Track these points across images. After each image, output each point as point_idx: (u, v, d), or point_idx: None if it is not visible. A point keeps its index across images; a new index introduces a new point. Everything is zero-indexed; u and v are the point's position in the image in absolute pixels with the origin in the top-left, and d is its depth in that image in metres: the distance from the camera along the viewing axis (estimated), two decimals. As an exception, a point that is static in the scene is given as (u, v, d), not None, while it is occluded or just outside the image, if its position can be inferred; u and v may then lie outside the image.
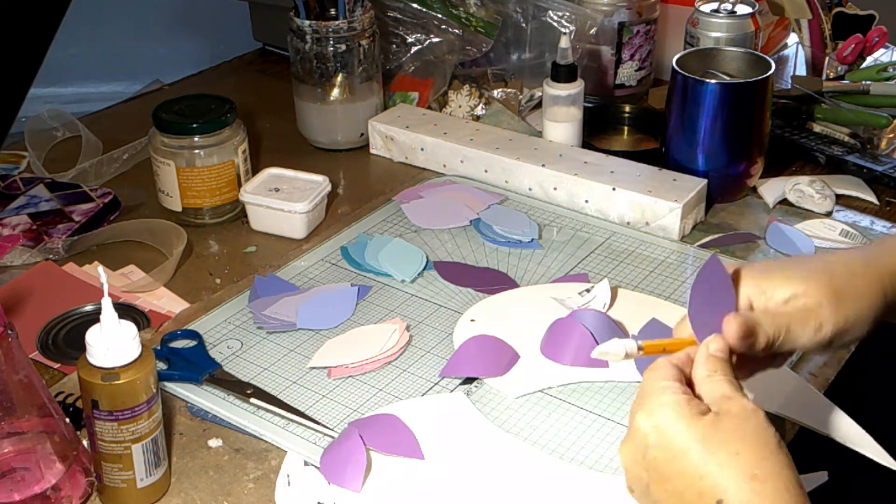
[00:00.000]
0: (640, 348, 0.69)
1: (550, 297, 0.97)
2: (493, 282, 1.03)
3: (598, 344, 0.88)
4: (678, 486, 0.59)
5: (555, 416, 0.86)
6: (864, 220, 1.15)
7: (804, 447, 0.81)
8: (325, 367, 0.91)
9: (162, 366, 0.90)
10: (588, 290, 0.97)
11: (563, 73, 1.21)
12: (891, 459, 0.81)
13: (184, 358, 0.91)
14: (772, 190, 1.18)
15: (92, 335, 0.72)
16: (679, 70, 1.15)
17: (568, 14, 1.34)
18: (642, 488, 0.62)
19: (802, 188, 1.16)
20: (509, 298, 0.99)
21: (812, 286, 0.69)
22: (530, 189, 1.18)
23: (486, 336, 0.92)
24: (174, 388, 0.89)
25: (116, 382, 0.72)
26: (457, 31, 1.36)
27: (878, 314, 0.71)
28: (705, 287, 0.69)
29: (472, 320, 0.96)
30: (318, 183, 1.15)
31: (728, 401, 0.61)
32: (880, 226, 1.14)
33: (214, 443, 0.84)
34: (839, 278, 0.70)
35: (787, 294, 0.69)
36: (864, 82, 1.34)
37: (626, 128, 1.35)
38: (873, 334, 0.97)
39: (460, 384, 0.89)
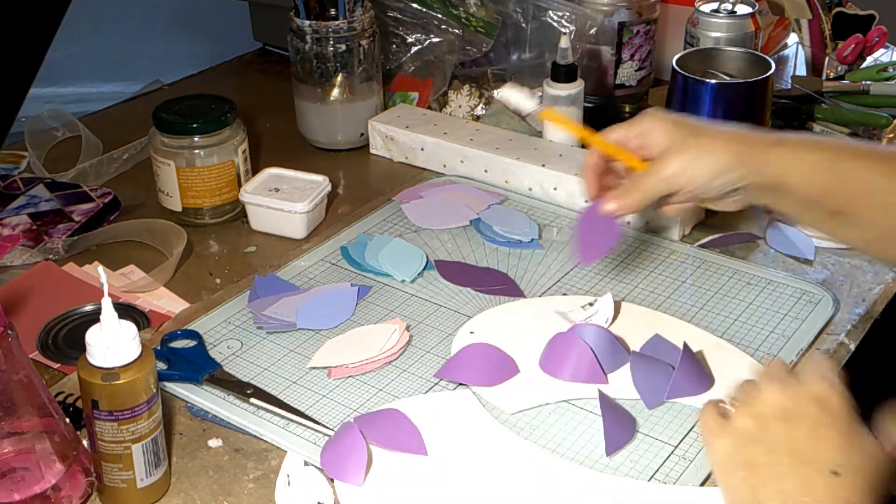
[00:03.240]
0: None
1: (553, 310, 0.96)
2: (493, 282, 1.03)
3: (597, 360, 0.88)
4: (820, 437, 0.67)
5: (556, 415, 0.86)
6: (864, 220, 1.14)
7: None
8: (325, 367, 0.91)
9: (162, 366, 0.90)
10: (591, 304, 0.96)
11: (563, 73, 1.21)
12: None
13: (184, 358, 0.91)
14: (772, 190, 1.18)
15: (92, 335, 0.72)
16: (679, 70, 1.15)
17: (568, 14, 1.34)
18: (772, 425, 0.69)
19: (802, 188, 1.16)
20: (510, 310, 0.99)
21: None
22: (530, 189, 1.18)
23: (486, 345, 0.92)
24: (174, 388, 0.89)
25: (116, 382, 0.72)
26: (457, 31, 1.36)
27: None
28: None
29: (470, 332, 0.95)
30: (318, 183, 1.15)
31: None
32: (880, 226, 1.14)
33: (214, 443, 0.84)
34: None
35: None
36: (864, 82, 1.34)
37: (626, 128, 1.35)
38: (873, 335, 0.97)
39: (461, 384, 0.89)
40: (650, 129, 0.88)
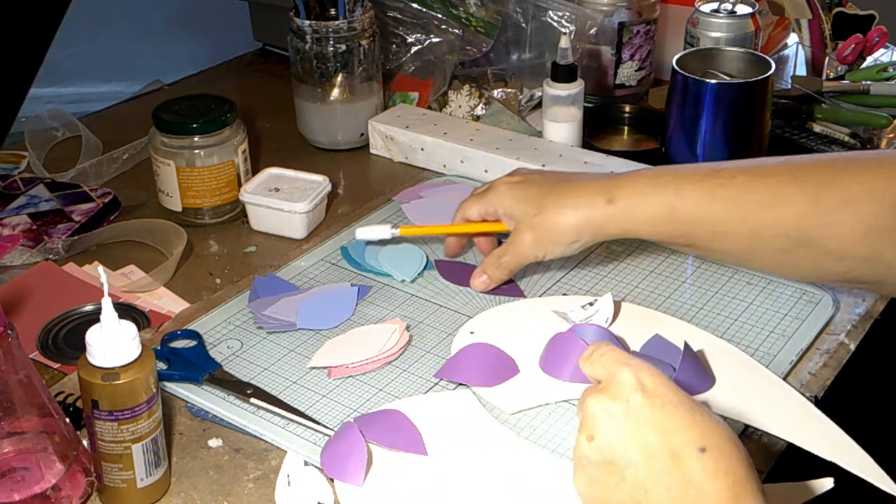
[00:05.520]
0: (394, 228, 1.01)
1: (552, 310, 0.96)
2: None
3: None
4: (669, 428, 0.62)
5: (556, 415, 0.86)
6: (864, 220, 1.14)
7: (809, 453, 0.81)
8: (325, 367, 0.91)
9: (162, 366, 0.90)
10: (591, 304, 0.96)
11: (563, 73, 1.21)
12: (892, 485, 0.80)
13: (184, 358, 0.91)
14: (772, 190, 1.18)
15: (92, 335, 0.72)
16: (679, 70, 1.15)
17: (568, 14, 1.34)
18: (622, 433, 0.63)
19: (802, 188, 1.16)
20: (510, 311, 0.99)
21: None
22: (530, 189, 1.18)
23: (486, 345, 0.92)
24: (174, 388, 0.89)
25: (116, 382, 0.72)
26: (457, 31, 1.36)
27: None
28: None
29: (471, 332, 0.95)
30: (318, 183, 1.15)
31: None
32: (880, 226, 1.14)
33: (214, 443, 0.84)
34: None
35: None
36: (864, 82, 1.34)
37: (626, 128, 1.35)
38: (873, 335, 0.97)
39: (461, 384, 0.89)
40: (498, 208, 0.96)
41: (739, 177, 0.86)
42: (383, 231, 1.03)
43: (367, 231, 1.04)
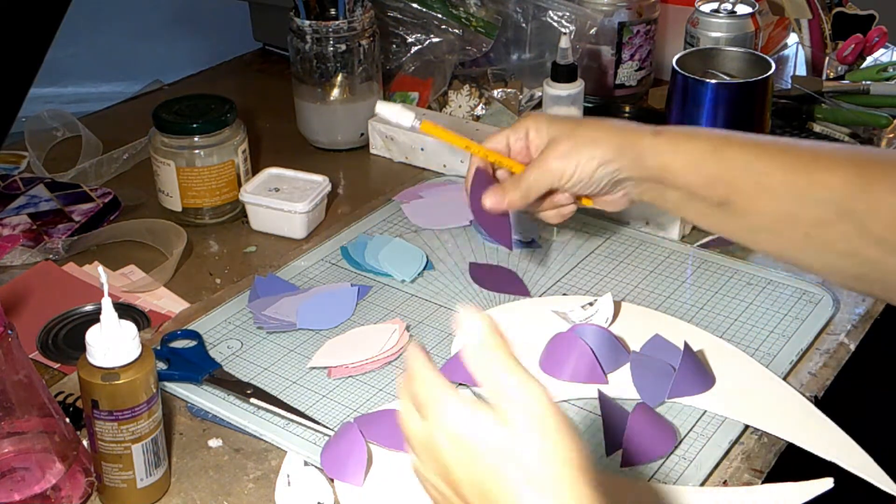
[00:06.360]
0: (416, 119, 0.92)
1: (552, 310, 0.96)
2: (505, 281, 1.02)
3: (597, 360, 0.88)
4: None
5: (555, 416, 0.86)
6: (864, 220, 1.14)
7: (809, 453, 0.81)
8: (325, 367, 0.91)
9: (162, 366, 0.90)
10: (591, 304, 0.96)
11: (563, 73, 1.21)
12: (892, 485, 0.80)
13: (184, 358, 0.91)
14: (772, 190, 1.18)
15: (92, 335, 0.72)
16: (679, 70, 1.15)
17: (568, 14, 1.34)
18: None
19: (802, 188, 1.16)
20: (510, 311, 0.99)
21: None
22: (530, 189, 1.18)
23: None
24: (174, 388, 0.89)
25: (116, 382, 0.72)
26: (457, 31, 1.36)
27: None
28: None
29: None
30: (318, 183, 1.15)
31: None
32: (880, 226, 1.14)
33: (214, 443, 0.84)
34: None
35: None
36: (864, 82, 1.34)
37: (626, 128, 1.35)
38: (873, 335, 0.97)
39: (459, 384, 0.89)
40: (529, 129, 0.88)
41: (784, 140, 0.81)
42: (406, 117, 0.92)
43: (389, 109, 0.93)
